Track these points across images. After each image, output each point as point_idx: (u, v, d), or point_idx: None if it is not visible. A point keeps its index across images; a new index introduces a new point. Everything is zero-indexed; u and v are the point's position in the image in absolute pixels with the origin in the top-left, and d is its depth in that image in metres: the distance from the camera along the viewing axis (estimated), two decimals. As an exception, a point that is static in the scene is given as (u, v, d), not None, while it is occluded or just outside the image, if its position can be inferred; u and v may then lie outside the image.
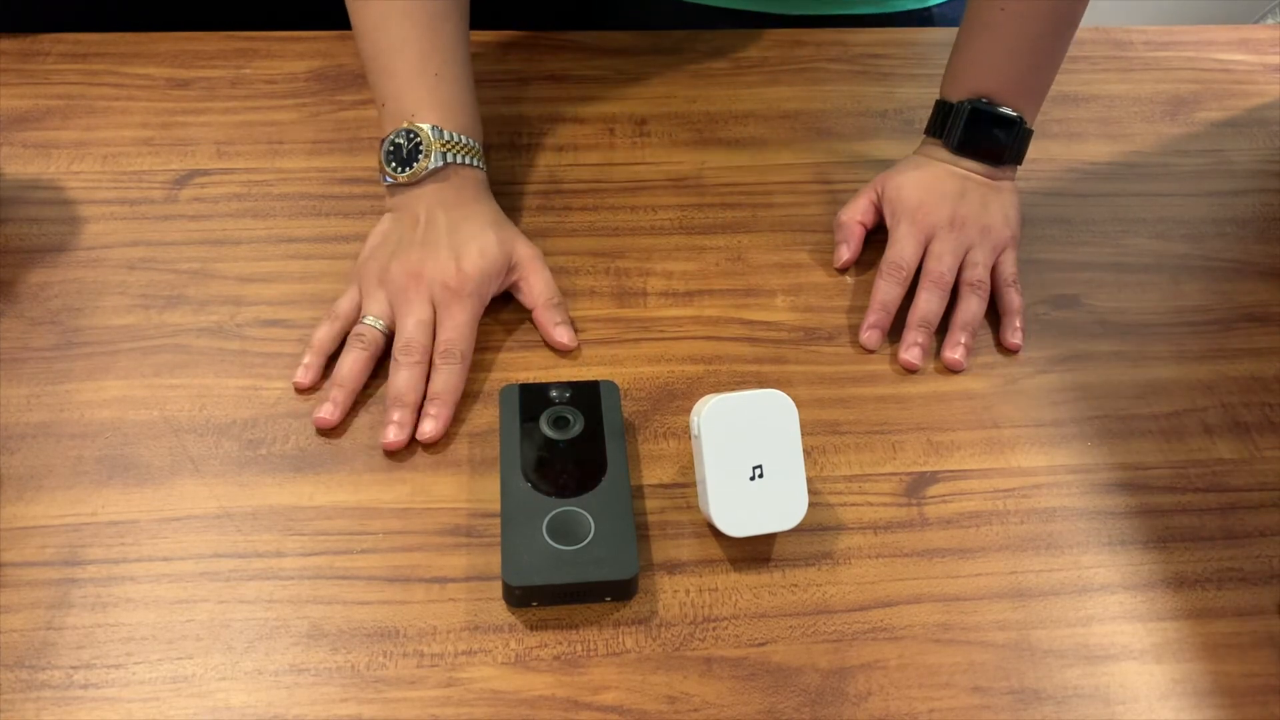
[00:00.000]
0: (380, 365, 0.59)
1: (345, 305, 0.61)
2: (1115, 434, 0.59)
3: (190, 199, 0.69)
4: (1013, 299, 0.65)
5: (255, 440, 0.56)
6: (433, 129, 0.62)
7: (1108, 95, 0.82)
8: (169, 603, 0.50)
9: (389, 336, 0.59)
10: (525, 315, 0.63)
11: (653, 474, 0.56)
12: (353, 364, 0.58)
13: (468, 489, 0.55)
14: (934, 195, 0.66)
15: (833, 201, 0.71)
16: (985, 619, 0.51)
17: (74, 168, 0.70)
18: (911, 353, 0.62)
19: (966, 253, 0.65)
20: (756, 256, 0.68)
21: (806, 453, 0.56)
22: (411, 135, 0.62)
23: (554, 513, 0.52)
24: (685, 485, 0.56)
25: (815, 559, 0.53)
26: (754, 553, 0.53)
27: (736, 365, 0.62)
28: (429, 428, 0.56)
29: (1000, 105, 0.66)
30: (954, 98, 0.68)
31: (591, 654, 0.49)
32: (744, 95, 0.80)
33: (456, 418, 0.58)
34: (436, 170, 0.62)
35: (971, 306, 0.63)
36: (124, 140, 0.72)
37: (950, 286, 0.64)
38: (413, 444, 0.57)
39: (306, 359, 0.59)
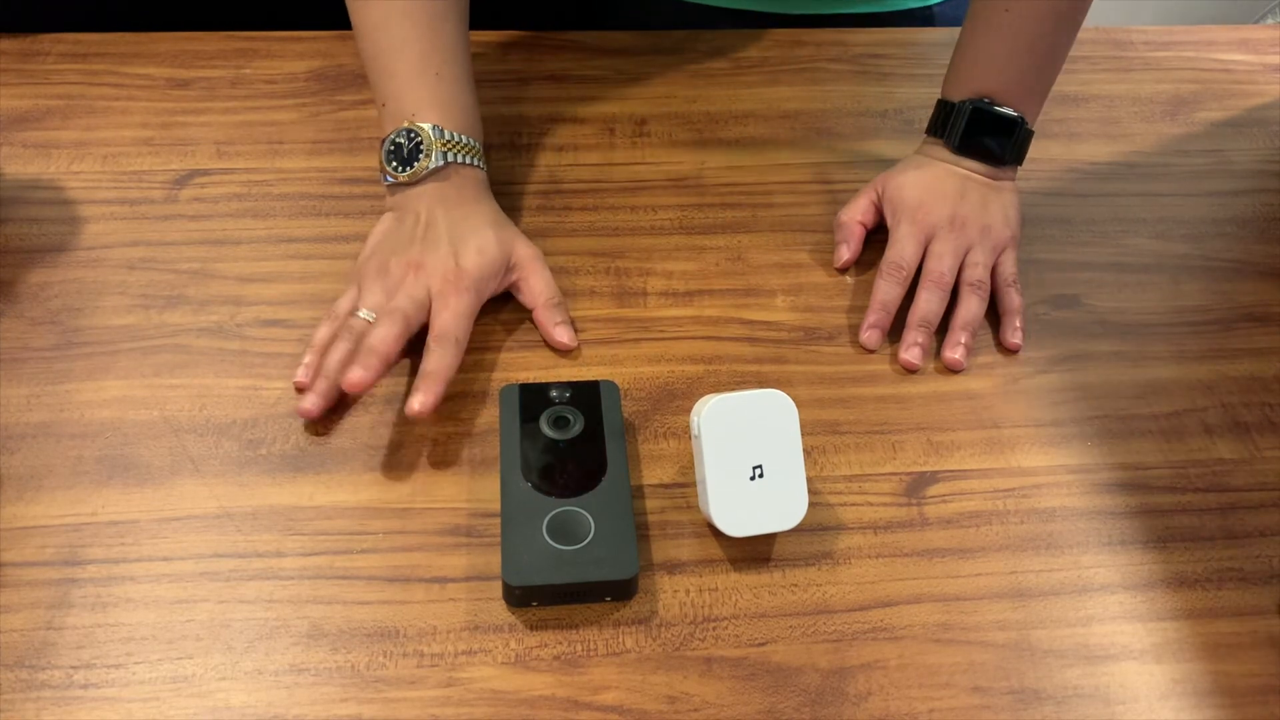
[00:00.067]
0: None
1: (345, 305, 0.61)
2: (1115, 434, 0.59)
3: (190, 199, 0.69)
4: (1013, 299, 0.65)
5: (255, 440, 0.56)
6: (433, 128, 0.62)
7: (1108, 95, 0.82)
8: (169, 603, 0.50)
9: None
10: (525, 315, 0.63)
11: (653, 474, 0.56)
12: (341, 357, 0.57)
13: (468, 489, 0.55)
14: (934, 195, 0.66)
15: (833, 201, 0.71)
16: (985, 619, 0.51)
17: (74, 168, 0.70)
18: (911, 353, 0.62)
19: (967, 253, 0.65)
20: (756, 256, 0.68)
21: (806, 453, 0.56)
22: (412, 135, 0.62)
23: (554, 513, 0.52)
24: (685, 485, 0.56)
25: (815, 559, 0.53)
26: (754, 553, 0.53)
27: (736, 365, 0.62)
28: (416, 403, 0.55)
29: (1002, 105, 0.66)
30: (955, 97, 0.68)
31: (591, 654, 0.49)
32: (744, 95, 0.80)
33: (456, 417, 0.58)
34: (437, 170, 0.62)
35: (971, 306, 0.63)
36: (124, 140, 0.72)
37: (950, 286, 0.64)
38: (412, 444, 0.57)
39: (307, 359, 0.59)
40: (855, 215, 0.68)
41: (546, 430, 0.55)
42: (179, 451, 0.56)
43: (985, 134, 0.67)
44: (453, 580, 0.51)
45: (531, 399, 0.57)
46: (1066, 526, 0.55)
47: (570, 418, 0.56)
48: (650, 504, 0.55)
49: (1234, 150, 0.78)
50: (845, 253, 0.67)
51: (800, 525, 0.52)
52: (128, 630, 0.49)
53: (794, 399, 0.52)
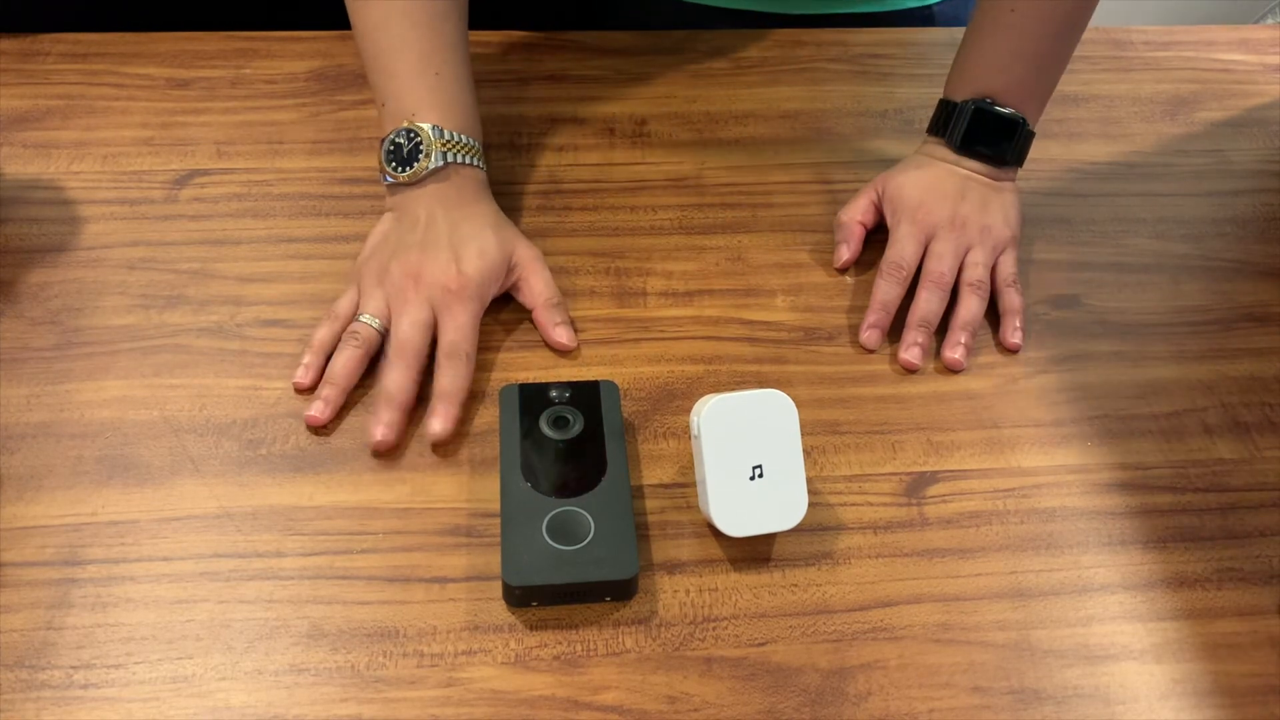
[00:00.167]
0: (376, 365, 0.59)
1: (345, 305, 0.61)
2: (1115, 434, 0.59)
3: (190, 199, 0.69)
4: (1013, 299, 0.65)
5: (255, 440, 0.56)
6: (433, 129, 0.62)
7: (1108, 95, 0.82)
8: (169, 603, 0.50)
9: (384, 335, 0.59)
10: (525, 315, 0.63)
11: (653, 474, 0.56)
12: (345, 362, 0.58)
13: (468, 489, 0.55)
14: (935, 195, 0.66)
15: (833, 201, 0.71)
16: (985, 619, 0.51)
17: (74, 168, 0.70)
18: (911, 353, 0.62)
19: (967, 253, 0.65)
20: (756, 256, 0.68)
21: (806, 453, 0.56)
22: (412, 135, 0.62)
23: (554, 513, 0.52)
24: (685, 485, 0.56)
25: (815, 559, 0.53)
26: (754, 553, 0.53)
27: (736, 365, 0.62)
28: (437, 427, 0.56)
29: (1004, 106, 0.66)
30: (957, 97, 0.68)
31: (591, 654, 0.49)
32: (744, 95, 0.80)
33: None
34: (437, 170, 0.62)
35: (971, 306, 0.63)
36: (124, 140, 0.72)
37: (950, 286, 0.64)
38: (412, 444, 0.57)
39: (306, 359, 0.59)
40: (855, 215, 0.68)
41: (546, 430, 0.55)
42: (179, 451, 0.56)
43: (986, 134, 0.67)
44: (453, 580, 0.51)
45: (531, 399, 0.57)
46: (1066, 526, 0.55)
47: (570, 418, 0.56)
48: (650, 504, 0.55)
49: (1234, 150, 0.78)
50: (845, 253, 0.67)
51: (800, 525, 0.52)
52: (128, 630, 0.49)
53: (794, 399, 0.52)
